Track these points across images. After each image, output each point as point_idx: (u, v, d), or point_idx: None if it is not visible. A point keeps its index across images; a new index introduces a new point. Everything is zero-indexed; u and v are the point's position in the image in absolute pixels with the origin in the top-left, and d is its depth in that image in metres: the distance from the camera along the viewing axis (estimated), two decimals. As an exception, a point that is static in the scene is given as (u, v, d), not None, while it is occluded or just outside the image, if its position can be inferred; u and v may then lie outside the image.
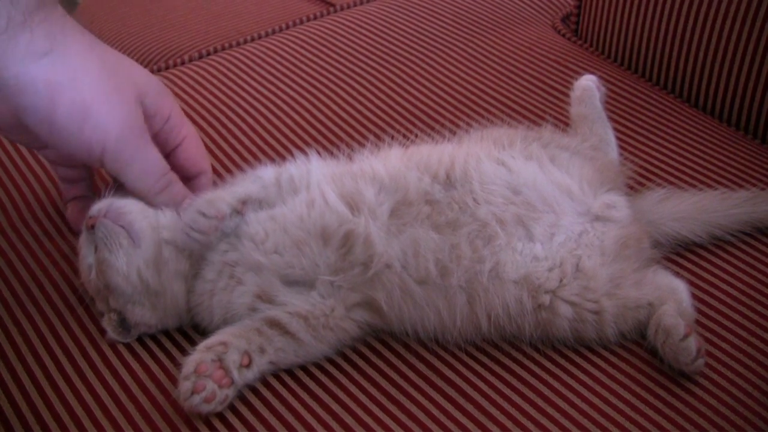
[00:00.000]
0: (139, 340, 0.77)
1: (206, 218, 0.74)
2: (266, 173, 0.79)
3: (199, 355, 0.70)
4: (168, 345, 0.77)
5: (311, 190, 0.77)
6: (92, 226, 0.75)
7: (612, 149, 0.91)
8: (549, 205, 0.77)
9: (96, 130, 0.73)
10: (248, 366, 0.71)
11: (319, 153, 0.82)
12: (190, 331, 0.77)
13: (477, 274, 0.73)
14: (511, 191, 0.77)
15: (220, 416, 0.70)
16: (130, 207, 0.76)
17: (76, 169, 0.85)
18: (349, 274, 0.74)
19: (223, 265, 0.75)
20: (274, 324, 0.72)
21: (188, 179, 0.83)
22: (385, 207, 0.75)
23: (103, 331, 0.77)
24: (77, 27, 0.74)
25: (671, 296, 0.75)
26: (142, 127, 0.76)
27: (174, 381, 0.72)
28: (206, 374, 0.68)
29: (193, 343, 0.72)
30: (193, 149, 0.84)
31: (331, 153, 0.83)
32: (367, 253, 0.73)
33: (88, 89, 0.72)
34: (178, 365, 0.71)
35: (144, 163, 0.76)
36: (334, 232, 0.74)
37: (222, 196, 0.76)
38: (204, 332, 0.75)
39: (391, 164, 0.79)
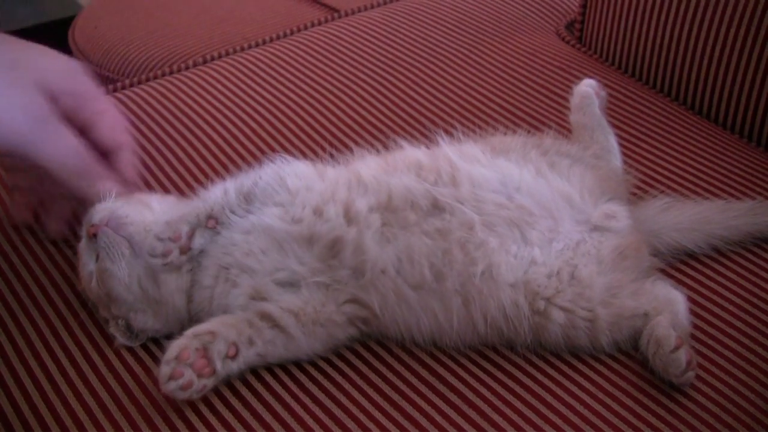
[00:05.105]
0: (142, 344, 0.77)
1: (162, 242, 0.74)
2: (232, 184, 0.78)
3: (185, 341, 0.69)
4: (170, 349, 0.77)
5: (298, 197, 0.77)
6: (94, 235, 0.75)
7: (615, 157, 0.90)
8: (547, 211, 0.77)
9: None
10: (234, 357, 0.70)
11: (322, 158, 0.82)
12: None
13: (470, 276, 0.73)
14: (503, 196, 0.76)
15: (222, 420, 0.70)
16: (132, 217, 0.76)
17: (11, 156, 0.85)
18: (337, 274, 0.74)
19: (218, 269, 0.75)
20: (265, 317, 0.73)
21: (109, 155, 0.83)
22: (376, 216, 0.75)
23: (106, 336, 0.77)
24: None
25: (667, 307, 0.75)
26: (46, 112, 0.77)
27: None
28: (187, 362, 0.68)
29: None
30: (109, 123, 0.84)
31: (333, 158, 0.83)
32: (358, 259, 0.74)
33: None
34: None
35: (54, 146, 0.77)
36: (321, 237, 0.74)
37: (183, 216, 0.75)
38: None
39: (377, 171, 0.79)
